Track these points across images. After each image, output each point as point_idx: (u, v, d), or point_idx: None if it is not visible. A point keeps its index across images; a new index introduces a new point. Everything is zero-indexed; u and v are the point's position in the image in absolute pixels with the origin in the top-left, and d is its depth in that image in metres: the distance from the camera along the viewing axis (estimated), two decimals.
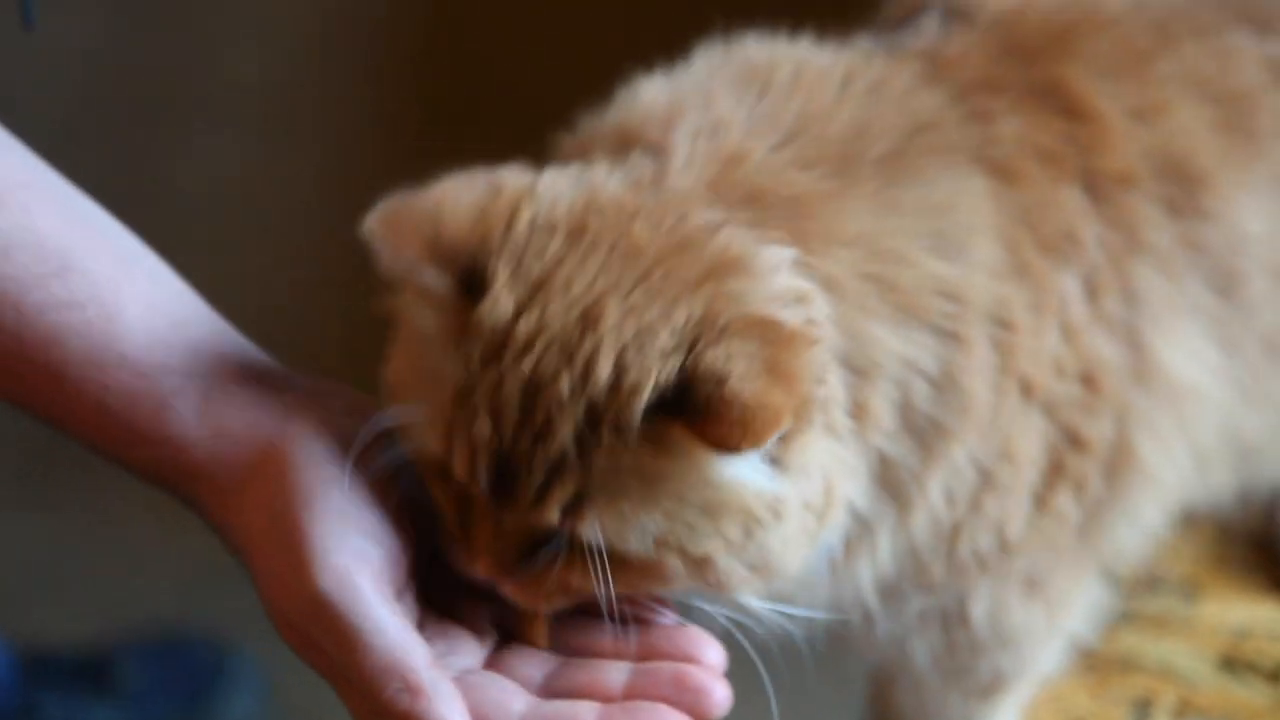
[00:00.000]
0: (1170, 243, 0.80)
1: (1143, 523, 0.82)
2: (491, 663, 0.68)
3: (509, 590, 0.68)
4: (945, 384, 0.74)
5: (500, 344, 0.66)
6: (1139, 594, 0.91)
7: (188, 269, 2.13)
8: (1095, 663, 0.90)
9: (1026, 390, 0.77)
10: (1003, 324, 0.76)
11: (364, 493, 0.66)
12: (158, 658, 1.54)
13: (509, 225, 0.69)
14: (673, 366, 0.65)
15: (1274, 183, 0.82)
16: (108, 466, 2.01)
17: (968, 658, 0.82)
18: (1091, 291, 0.79)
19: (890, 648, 0.81)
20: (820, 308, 0.69)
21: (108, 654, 1.52)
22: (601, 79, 0.80)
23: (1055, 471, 0.79)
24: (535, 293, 0.67)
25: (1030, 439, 0.77)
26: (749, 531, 0.67)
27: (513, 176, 0.71)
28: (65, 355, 0.69)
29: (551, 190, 0.70)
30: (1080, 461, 0.79)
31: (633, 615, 0.67)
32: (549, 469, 0.65)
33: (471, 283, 0.68)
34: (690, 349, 0.65)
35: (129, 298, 0.70)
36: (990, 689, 0.84)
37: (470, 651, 0.68)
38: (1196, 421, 0.81)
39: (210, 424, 0.69)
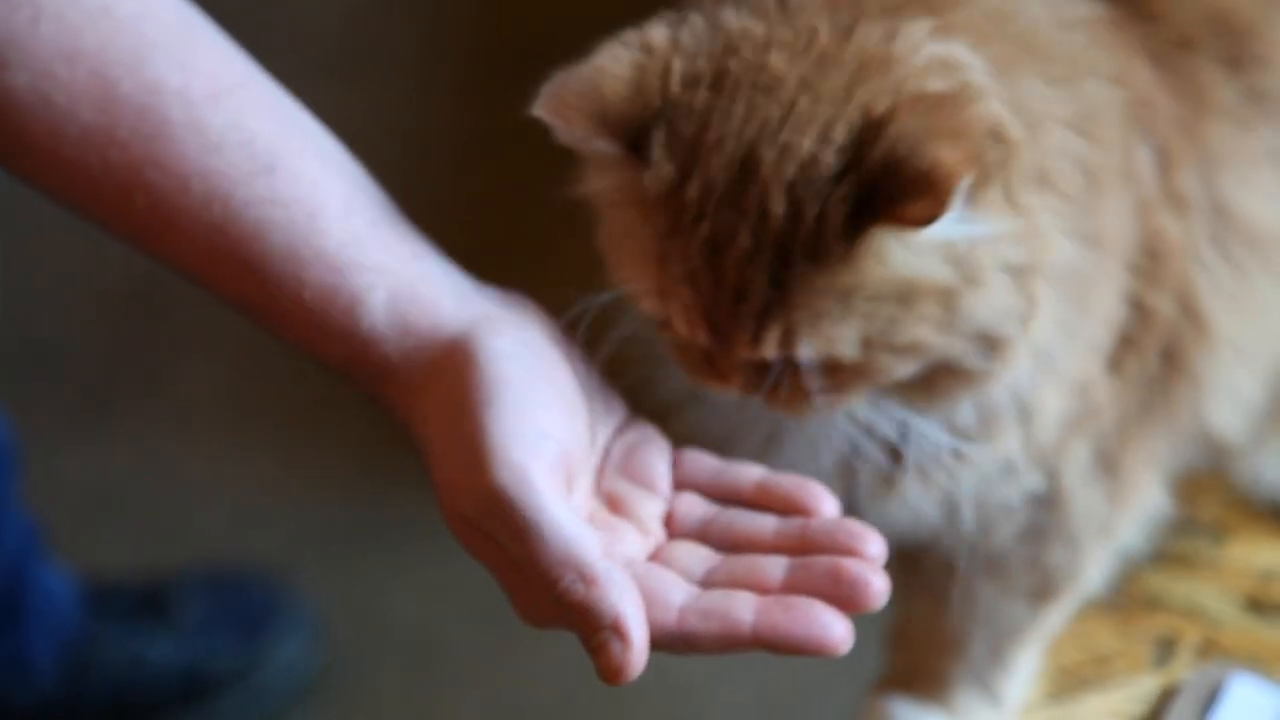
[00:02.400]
0: (1237, 96, 0.82)
1: (1234, 393, 0.84)
2: (655, 556, 0.70)
3: (766, 404, 0.72)
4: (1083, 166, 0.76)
5: (676, 211, 0.70)
6: (1168, 535, 0.92)
7: None
8: (1121, 601, 0.91)
9: (1100, 242, 0.78)
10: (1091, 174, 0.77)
11: (544, 388, 0.70)
12: (215, 593, 1.56)
13: (663, 85, 0.71)
14: (846, 183, 0.68)
15: None
16: (169, 395, 2.04)
17: (1037, 547, 0.83)
18: (1165, 164, 0.80)
19: (978, 533, 0.82)
20: (973, 66, 0.71)
21: (165, 588, 1.55)
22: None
23: (1124, 339, 0.80)
24: (693, 154, 0.70)
25: (1108, 294, 0.79)
26: (948, 305, 0.70)
27: (659, 33, 0.73)
28: (267, 249, 0.72)
29: (692, 41, 0.72)
30: (1144, 332, 0.81)
31: (796, 506, 0.70)
32: (755, 318, 0.69)
33: (640, 149, 0.71)
34: (858, 156, 0.68)
35: (328, 197, 0.74)
36: (1041, 593, 0.85)
37: (635, 544, 0.70)
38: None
39: (399, 322, 0.72)
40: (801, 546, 0.69)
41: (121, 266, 1.97)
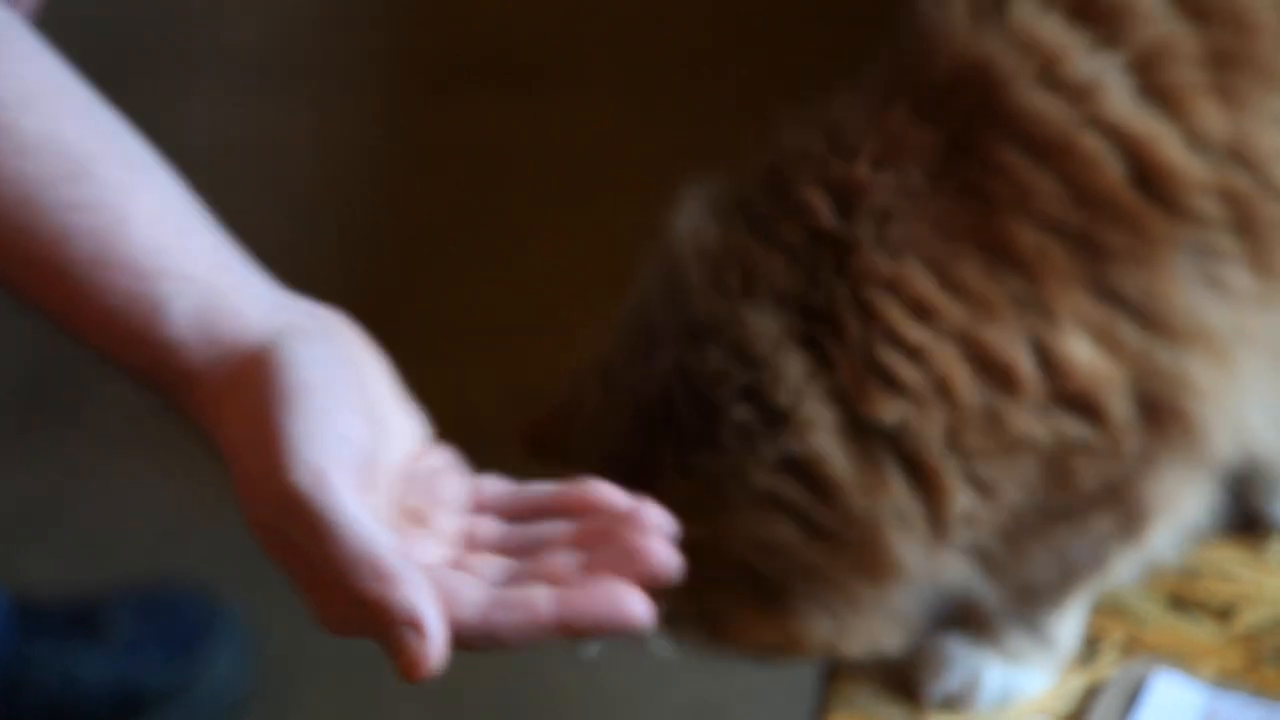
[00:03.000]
0: (1132, 239, 0.81)
1: None
2: (453, 565, 0.70)
3: None
4: None
5: None
6: None
7: None
8: None
9: None
10: None
11: (348, 395, 0.70)
12: (146, 610, 1.56)
13: None
14: None
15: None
16: (96, 414, 2.03)
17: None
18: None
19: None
20: None
21: (96, 606, 1.54)
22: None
23: None
24: None
25: None
26: None
27: None
28: (72, 255, 0.72)
29: None
30: None
31: (589, 505, 0.71)
32: None
33: None
34: None
35: (137, 205, 0.74)
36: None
37: (433, 552, 0.70)
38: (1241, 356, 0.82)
39: (204, 330, 0.72)
40: (595, 538, 0.70)
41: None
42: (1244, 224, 0.80)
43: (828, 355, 0.80)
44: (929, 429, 0.80)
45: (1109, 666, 0.91)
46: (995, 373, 0.80)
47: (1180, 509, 0.86)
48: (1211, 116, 0.80)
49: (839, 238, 0.81)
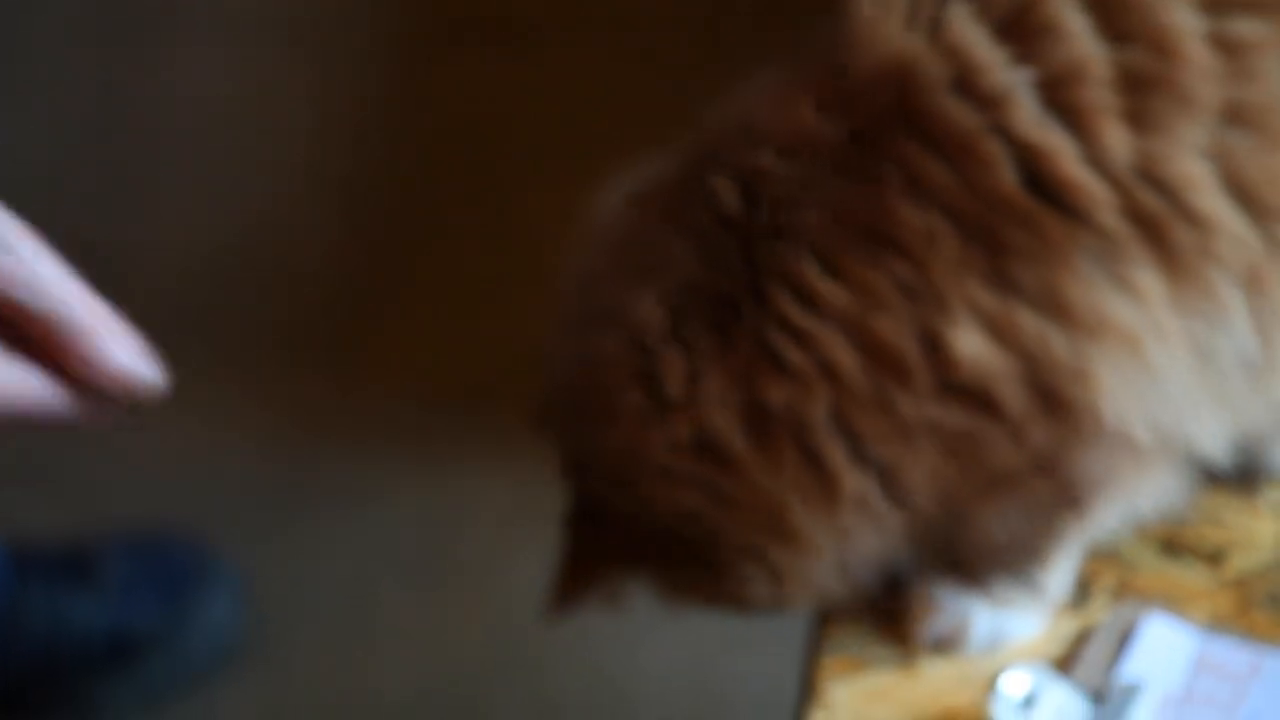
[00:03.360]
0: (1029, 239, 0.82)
1: None
2: None
3: None
4: None
5: None
6: None
7: (182, 185, 2.15)
8: None
9: None
10: None
11: None
12: (139, 555, 1.56)
13: None
14: None
15: None
16: None
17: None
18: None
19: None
20: None
21: (89, 551, 1.55)
22: None
23: None
24: None
25: None
26: None
27: None
28: None
29: None
30: None
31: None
32: None
33: None
34: None
35: None
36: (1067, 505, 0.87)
37: None
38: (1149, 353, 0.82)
39: None
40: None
41: (49, 236, 1.96)
42: (1154, 239, 0.81)
43: (730, 338, 0.82)
44: (814, 411, 0.82)
45: (1100, 610, 0.91)
46: (883, 360, 0.81)
47: (1129, 489, 0.87)
48: (1117, 137, 0.81)
49: (741, 224, 0.83)
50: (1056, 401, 0.82)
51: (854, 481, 0.83)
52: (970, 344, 0.81)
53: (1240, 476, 0.94)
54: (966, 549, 0.90)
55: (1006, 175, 0.81)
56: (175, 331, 1.86)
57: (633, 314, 0.84)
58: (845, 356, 0.81)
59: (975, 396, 0.82)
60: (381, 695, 1.61)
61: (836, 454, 0.83)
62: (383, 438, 1.82)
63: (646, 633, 1.59)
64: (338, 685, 1.62)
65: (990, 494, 0.85)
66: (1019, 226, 0.81)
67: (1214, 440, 0.86)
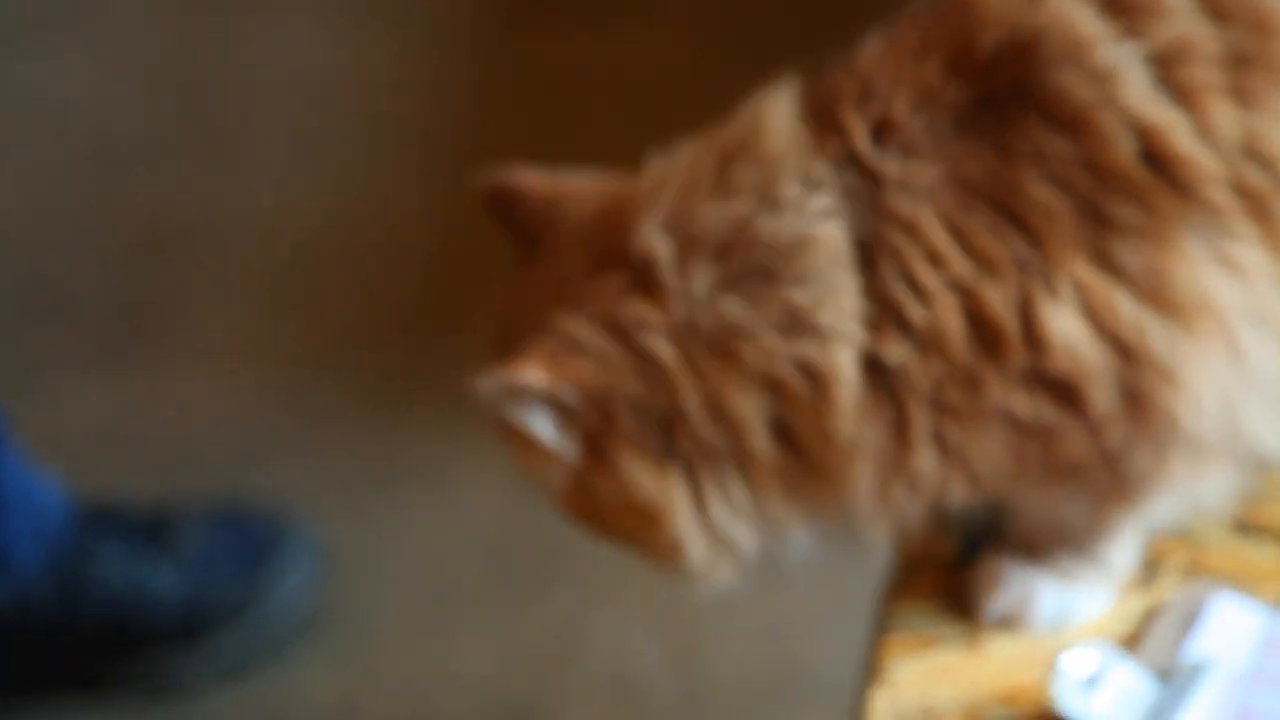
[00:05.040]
0: (1144, 217, 0.82)
1: None
2: None
3: None
4: None
5: None
6: None
7: (275, 158, 2.15)
8: None
9: None
10: None
11: None
12: (219, 526, 1.57)
13: None
14: None
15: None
16: (186, 335, 2.06)
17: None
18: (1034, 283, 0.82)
19: None
20: None
21: (170, 518, 1.56)
22: None
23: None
24: None
25: None
26: None
27: None
28: None
29: None
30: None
31: None
32: None
33: None
34: None
35: None
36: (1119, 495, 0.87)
37: None
38: (1237, 337, 0.82)
39: None
40: None
41: (136, 212, 1.98)
42: (1258, 214, 0.81)
43: (873, 284, 0.82)
44: (920, 379, 0.82)
45: (1169, 589, 0.90)
46: (986, 333, 0.81)
47: (1185, 486, 0.86)
48: (1225, 114, 0.81)
49: (870, 167, 0.83)
50: (1142, 404, 0.82)
51: (925, 458, 0.83)
52: (1066, 326, 0.81)
53: None
54: (1022, 528, 0.89)
55: (1124, 149, 0.81)
56: (269, 302, 1.88)
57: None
58: (955, 323, 0.81)
59: (1063, 390, 0.82)
60: (460, 670, 1.61)
61: (921, 427, 0.82)
62: (468, 412, 1.82)
63: (719, 615, 1.59)
64: (415, 659, 1.62)
65: (1048, 482, 0.85)
66: (1131, 202, 0.81)
67: (1277, 435, 0.85)
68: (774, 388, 0.83)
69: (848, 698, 0.93)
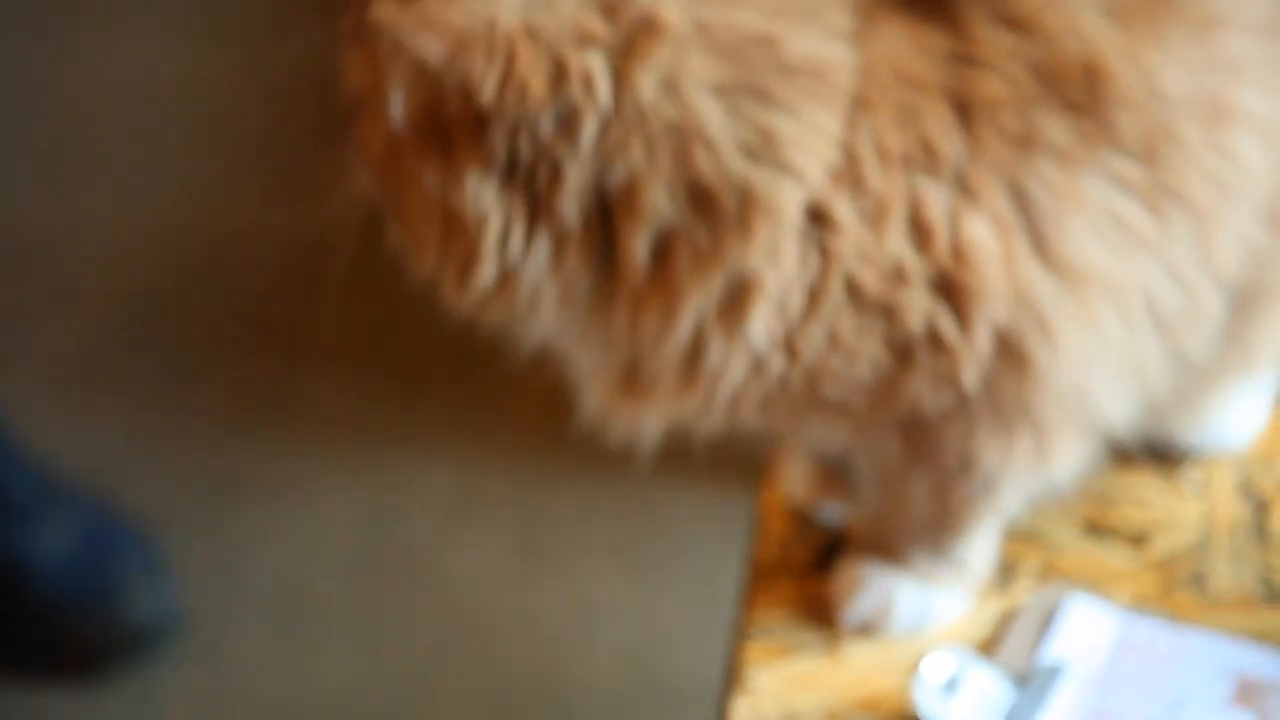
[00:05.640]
0: (1070, 137, 0.82)
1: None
2: None
3: None
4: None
5: None
6: None
7: (113, 171, 2.12)
8: None
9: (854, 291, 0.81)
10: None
11: None
12: (71, 540, 1.55)
13: None
14: None
15: (1191, 35, 0.84)
16: (44, 349, 2.01)
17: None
18: (963, 190, 0.81)
19: None
20: None
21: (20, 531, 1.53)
22: None
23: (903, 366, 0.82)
24: None
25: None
26: None
27: None
28: None
29: None
30: (939, 359, 0.82)
31: None
32: None
33: None
34: None
35: None
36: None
37: None
38: (1106, 308, 0.83)
39: None
40: None
41: None
42: (1152, 157, 0.82)
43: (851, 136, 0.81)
44: (847, 249, 0.81)
45: (1024, 592, 0.91)
46: (917, 225, 0.81)
47: (1027, 467, 0.86)
48: (1150, 55, 0.82)
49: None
50: (1015, 350, 0.82)
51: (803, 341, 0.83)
52: (985, 240, 0.81)
53: (1158, 455, 0.94)
54: (876, 521, 0.90)
55: (1071, 52, 0.82)
56: (112, 316, 1.85)
57: None
58: (898, 205, 0.81)
59: (956, 305, 0.82)
60: (320, 685, 1.60)
61: (830, 298, 0.82)
62: (323, 425, 1.81)
63: (585, 626, 1.59)
64: (275, 674, 1.61)
65: (875, 420, 0.85)
66: (1062, 116, 0.81)
67: (1122, 410, 0.86)
68: (699, 200, 0.81)
69: (712, 706, 0.94)
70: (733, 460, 0.93)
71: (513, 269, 0.82)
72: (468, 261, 0.83)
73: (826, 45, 0.81)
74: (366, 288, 1.85)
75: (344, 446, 1.78)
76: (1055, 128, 0.81)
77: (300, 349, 1.83)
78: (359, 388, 1.82)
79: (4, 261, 1.91)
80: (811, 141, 0.81)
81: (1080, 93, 0.81)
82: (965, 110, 0.81)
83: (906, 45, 0.82)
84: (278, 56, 2.10)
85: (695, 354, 0.83)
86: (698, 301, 0.82)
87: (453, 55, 0.79)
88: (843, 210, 0.81)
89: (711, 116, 0.80)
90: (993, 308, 0.81)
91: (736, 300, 0.82)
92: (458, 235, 0.83)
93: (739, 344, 0.82)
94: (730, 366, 0.83)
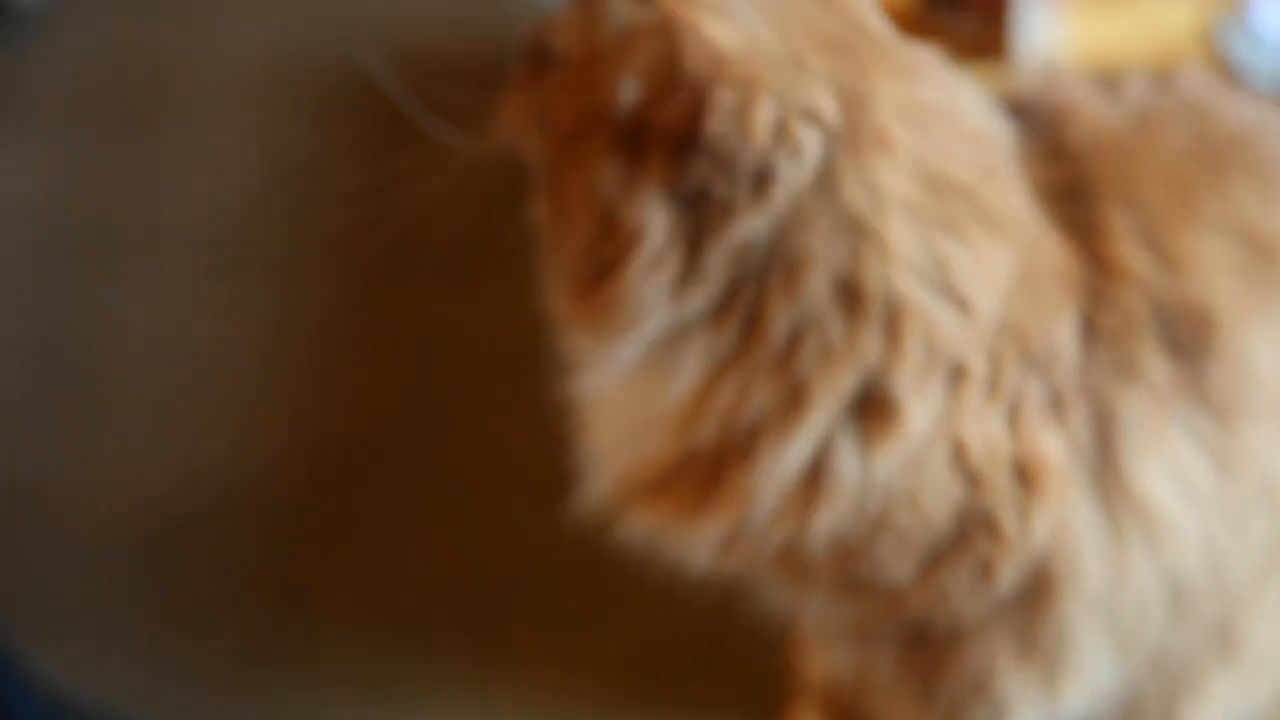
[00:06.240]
0: (1166, 377, 0.84)
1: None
2: None
3: None
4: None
5: None
6: None
7: (131, 423, 2.11)
8: None
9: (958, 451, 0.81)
10: (958, 370, 0.81)
11: None
12: None
13: None
14: None
15: None
16: (39, 597, 2.00)
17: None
18: (1055, 401, 0.83)
19: None
20: None
21: None
22: None
23: (956, 543, 0.83)
24: None
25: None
26: None
27: None
28: None
29: None
30: (990, 547, 0.82)
31: None
32: None
33: None
34: None
35: None
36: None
37: None
38: (1167, 547, 0.85)
39: None
40: None
41: None
42: (1228, 420, 0.84)
43: None
44: (970, 400, 0.83)
45: None
46: (1014, 414, 0.83)
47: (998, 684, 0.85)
48: (1269, 342, 0.85)
49: None
50: (1047, 572, 0.83)
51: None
52: (1052, 448, 0.82)
53: None
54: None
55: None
56: (127, 557, 1.85)
57: None
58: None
59: (1022, 494, 0.82)
60: None
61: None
62: (333, 671, 1.79)
63: None
64: None
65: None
66: (1169, 354, 0.83)
67: (1117, 666, 0.86)
68: (850, 299, 0.81)
69: None
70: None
71: (645, 287, 0.82)
72: (608, 266, 0.82)
73: (1016, 204, 0.82)
74: (373, 530, 1.85)
75: (354, 691, 1.77)
76: (1157, 365, 0.83)
77: (312, 594, 1.83)
78: (367, 634, 1.81)
79: (13, 504, 1.92)
80: (985, 280, 0.81)
81: (1189, 337, 0.83)
82: (1089, 327, 0.83)
83: (1059, 243, 0.83)
84: (301, 301, 2.13)
85: (819, 464, 0.82)
86: (827, 401, 0.81)
87: (708, 71, 0.79)
88: (979, 367, 0.80)
89: (898, 230, 0.80)
90: (1048, 515, 0.81)
91: (873, 417, 0.81)
92: (610, 238, 0.82)
93: (868, 462, 0.81)
94: (844, 481, 0.82)
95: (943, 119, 0.81)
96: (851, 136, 0.80)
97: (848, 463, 0.81)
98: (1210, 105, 0.88)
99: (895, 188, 0.80)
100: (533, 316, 2.04)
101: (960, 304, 0.81)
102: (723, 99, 0.78)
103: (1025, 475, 0.80)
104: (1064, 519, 0.81)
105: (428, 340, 2.06)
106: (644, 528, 0.87)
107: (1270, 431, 0.84)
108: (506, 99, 0.86)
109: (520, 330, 2.11)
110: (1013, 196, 0.84)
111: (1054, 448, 0.81)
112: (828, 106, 0.80)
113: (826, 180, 0.79)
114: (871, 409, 0.81)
